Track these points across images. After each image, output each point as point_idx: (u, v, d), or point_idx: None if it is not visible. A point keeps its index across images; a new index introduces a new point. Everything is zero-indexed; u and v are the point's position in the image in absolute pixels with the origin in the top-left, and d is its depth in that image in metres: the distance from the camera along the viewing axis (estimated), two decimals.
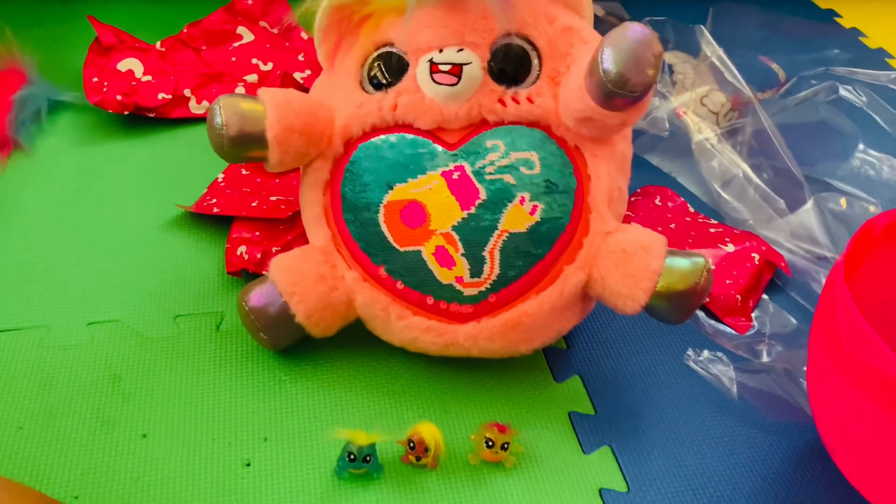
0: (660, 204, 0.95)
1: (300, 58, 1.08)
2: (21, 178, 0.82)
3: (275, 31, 1.11)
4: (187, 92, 1.00)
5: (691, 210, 0.95)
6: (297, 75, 1.05)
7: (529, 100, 0.65)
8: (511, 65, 0.65)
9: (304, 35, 1.11)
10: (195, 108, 1.00)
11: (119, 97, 0.96)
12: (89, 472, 0.61)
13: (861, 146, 1.00)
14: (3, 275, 0.77)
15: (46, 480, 0.60)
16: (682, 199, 0.96)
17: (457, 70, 0.64)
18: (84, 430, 0.64)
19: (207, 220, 0.85)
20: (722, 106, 1.04)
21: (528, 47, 0.66)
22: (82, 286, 0.76)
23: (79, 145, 0.94)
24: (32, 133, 0.95)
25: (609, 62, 0.59)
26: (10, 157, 0.91)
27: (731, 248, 0.87)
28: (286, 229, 0.82)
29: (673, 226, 0.90)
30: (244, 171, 0.91)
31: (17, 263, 0.78)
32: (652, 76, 0.59)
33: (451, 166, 0.65)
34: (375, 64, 0.67)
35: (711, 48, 1.00)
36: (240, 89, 1.03)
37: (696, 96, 1.04)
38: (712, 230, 0.90)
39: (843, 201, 0.94)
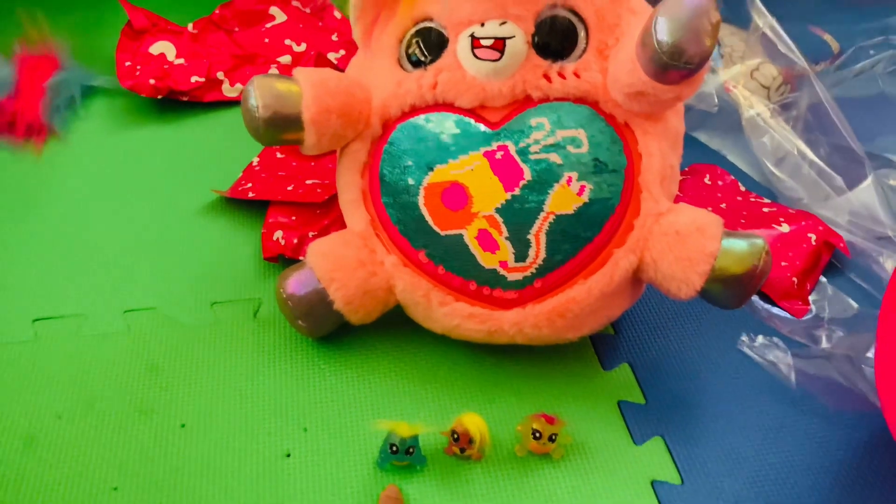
0: (709, 183, 0.91)
1: (334, 38, 1.06)
2: (56, 164, 0.81)
3: (307, 10, 1.09)
4: (220, 75, 0.99)
5: (742, 189, 0.91)
6: (331, 55, 1.03)
7: (576, 74, 0.62)
8: (557, 38, 0.62)
9: (337, 14, 1.09)
10: (228, 90, 0.98)
11: (152, 81, 0.94)
12: (128, 463, 0.60)
13: None
14: (39, 262, 0.76)
15: (85, 471, 0.59)
16: (733, 177, 0.92)
17: (499, 45, 0.61)
18: (122, 420, 0.63)
19: (243, 205, 0.83)
20: (773, 79, 0.99)
21: (574, 19, 0.63)
22: (118, 273, 0.75)
23: (113, 130, 0.93)
24: (67, 119, 0.94)
25: (664, 32, 0.55)
26: (45, 144, 0.91)
27: (785, 228, 0.82)
28: (323, 213, 0.80)
29: (724, 205, 0.86)
30: (279, 155, 0.89)
31: (52, 250, 0.77)
32: (710, 46, 0.56)
33: (494, 146, 0.62)
34: (414, 41, 0.65)
35: (763, 18, 0.95)
36: (273, 71, 1.01)
37: (747, 69, 0.99)
38: (766, 210, 0.86)
39: None
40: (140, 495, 0.58)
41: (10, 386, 0.65)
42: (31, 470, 0.59)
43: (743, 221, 0.83)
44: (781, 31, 0.94)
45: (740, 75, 0.99)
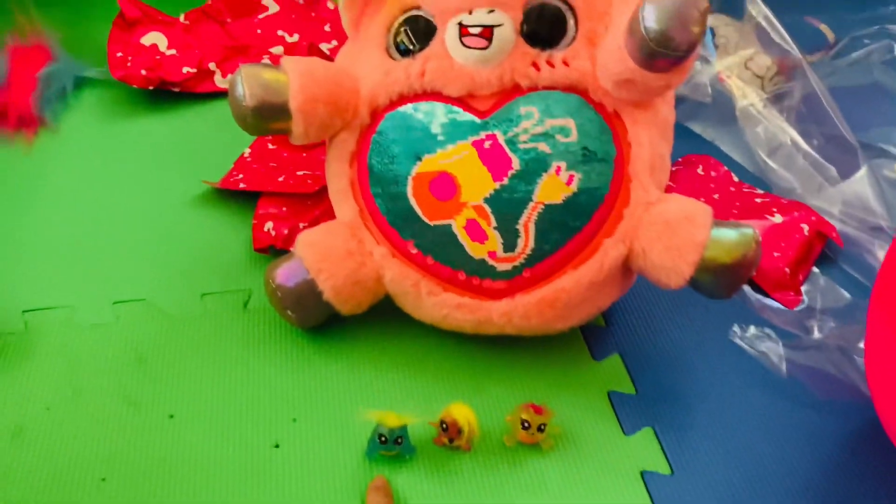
0: (702, 173, 0.90)
1: (326, 28, 1.05)
2: (46, 155, 0.81)
3: (300, 1, 1.08)
4: (212, 65, 0.98)
5: (735, 179, 0.90)
6: (324, 46, 1.02)
7: (565, 63, 0.61)
8: (545, 26, 0.62)
9: (330, 5, 1.08)
10: (220, 82, 0.98)
11: (143, 72, 0.94)
12: (116, 455, 0.60)
13: None
14: (28, 253, 0.76)
15: (73, 462, 0.59)
16: (726, 168, 0.92)
17: (488, 32, 0.60)
18: (111, 411, 0.63)
19: (234, 196, 0.83)
20: (767, 69, 0.99)
21: (563, 7, 0.62)
22: (107, 264, 0.75)
23: (104, 121, 0.93)
24: (58, 110, 0.94)
25: (651, 19, 0.55)
26: (36, 135, 0.90)
27: (778, 218, 0.82)
28: (313, 204, 0.79)
29: (716, 196, 0.86)
30: (271, 146, 0.88)
31: (43, 242, 0.77)
32: (697, 34, 0.55)
33: (483, 135, 0.62)
34: (402, 29, 0.64)
35: (757, 8, 0.94)
36: (265, 61, 1.00)
37: (740, 60, 0.99)
38: (758, 200, 0.86)
39: None
40: (128, 486, 0.58)
41: None
42: (19, 461, 0.59)
43: (735, 212, 0.83)
44: (776, 21, 0.94)
45: (734, 65, 0.99)
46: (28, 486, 0.58)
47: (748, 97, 0.95)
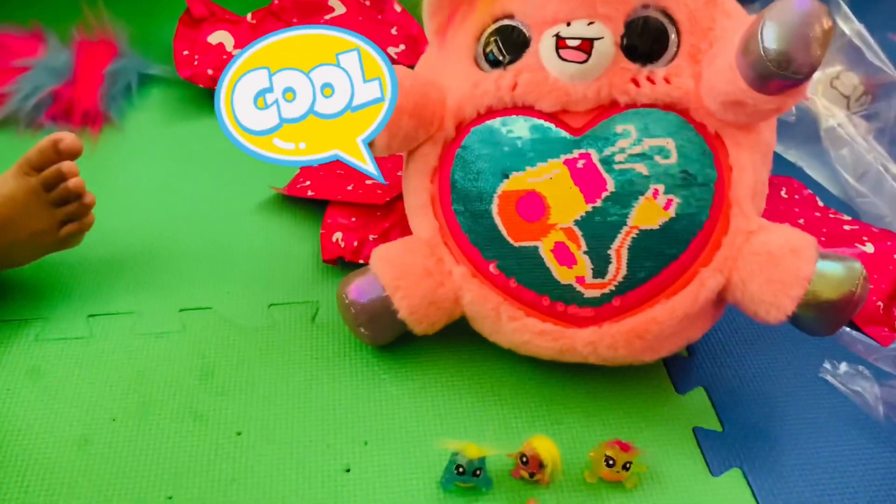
0: (786, 196, 0.86)
1: (393, 31, 1.03)
2: (111, 155, 0.80)
3: (367, 2, 1.06)
4: None
5: (820, 204, 0.86)
6: (392, 50, 1.00)
7: (666, 80, 0.58)
8: (647, 40, 0.58)
9: (397, 7, 1.05)
10: None
11: (210, 72, 0.92)
12: (183, 471, 0.58)
13: None
14: (92, 257, 0.74)
15: (140, 477, 0.57)
16: (810, 191, 0.87)
17: (587, 46, 0.57)
18: (177, 425, 0.61)
19: (300, 203, 0.81)
20: (854, 89, 0.94)
21: (665, 21, 0.59)
22: (173, 271, 0.73)
23: (169, 122, 0.92)
24: (123, 107, 0.93)
25: (771, 39, 0.51)
26: (101, 132, 0.89)
27: (869, 248, 0.78)
28: (383, 216, 0.77)
29: (801, 221, 0.82)
30: None
31: (107, 245, 0.75)
32: (819, 56, 0.52)
33: (576, 153, 0.59)
34: (492, 39, 0.61)
35: (850, 24, 0.90)
36: None
37: (826, 78, 0.94)
38: (847, 227, 0.81)
39: None
40: None
41: (65, 384, 0.63)
42: (85, 473, 0.57)
43: (823, 239, 0.79)
44: (870, 38, 0.89)
45: (819, 83, 0.94)
46: (94, 500, 0.56)
47: (834, 117, 0.90)
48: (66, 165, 0.67)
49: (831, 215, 0.84)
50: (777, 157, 0.91)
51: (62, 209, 0.68)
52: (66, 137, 0.67)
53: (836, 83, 0.95)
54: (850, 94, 0.94)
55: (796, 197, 0.86)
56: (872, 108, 0.93)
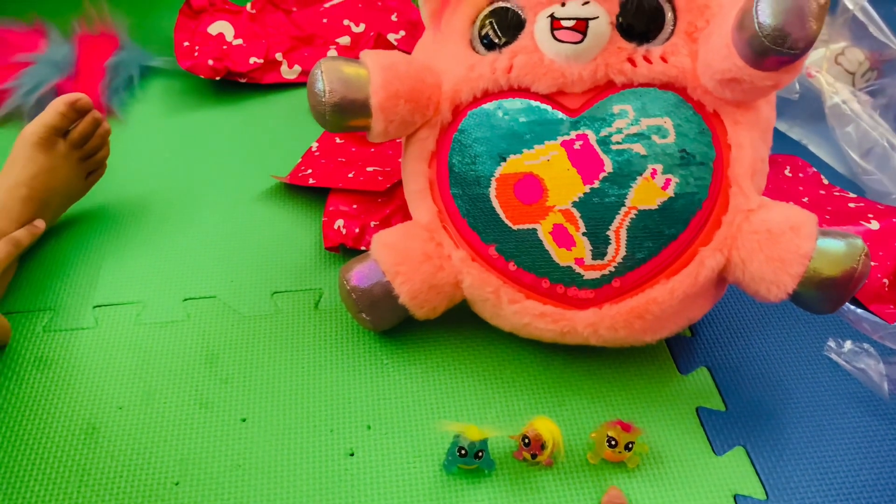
0: (790, 175, 0.85)
1: (393, 18, 1.02)
2: (114, 147, 0.79)
3: None
4: (279, 56, 0.96)
5: (825, 182, 0.85)
6: (391, 36, 1.00)
7: (663, 59, 0.58)
8: (643, 19, 0.58)
9: None
10: (287, 72, 0.96)
11: (210, 62, 0.92)
12: (189, 458, 0.59)
13: None
14: (97, 247, 0.75)
15: (147, 464, 0.58)
16: (815, 169, 0.87)
17: (582, 26, 0.57)
18: (183, 413, 0.61)
19: (303, 191, 0.81)
20: (860, 65, 0.93)
21: None
22: (177, 260, 0.74)
23: (171, 113, 0.92)
24: (125, 100, 0.93)
25: (766, 14, 0.51)
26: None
27: (874, 225, 0.77)
28: (384, 202, 0.77)
29: (806, 199, 0.81)
30: (339, 140, 0.86)
31: (111, 235, 0.76)
32: (815, 31, 0.51)
33: (573, 135, 0.59)
34: (488, 21, 0.61)
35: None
36: (332, 52, 0.98)
37: (831, 54, 0.93)
38: (851, 205, 0.81)
39: None
40: (202, 492, 0.57)
41: (72, 373, 0.64)
42: (93, 461, 0.58)
43: (827, 217, 0.78)
44: (874, 13, 0.88)
45: (823, 60, 0.93)
46: (102, 487, 0.57)
47: (839, 93, 0.89)
48: (97, 114, 0.75)
49: (836, 193, 0.83)
50: (781, 136, 0.92)
51: (89, 160, 0.76)
52: (78, 96, 0.73)
53: (840, 59, 0.94)
54: (855, 70, 0.93)
55: (801, 175, 0.86)
56: (877, 83, 0.93)
